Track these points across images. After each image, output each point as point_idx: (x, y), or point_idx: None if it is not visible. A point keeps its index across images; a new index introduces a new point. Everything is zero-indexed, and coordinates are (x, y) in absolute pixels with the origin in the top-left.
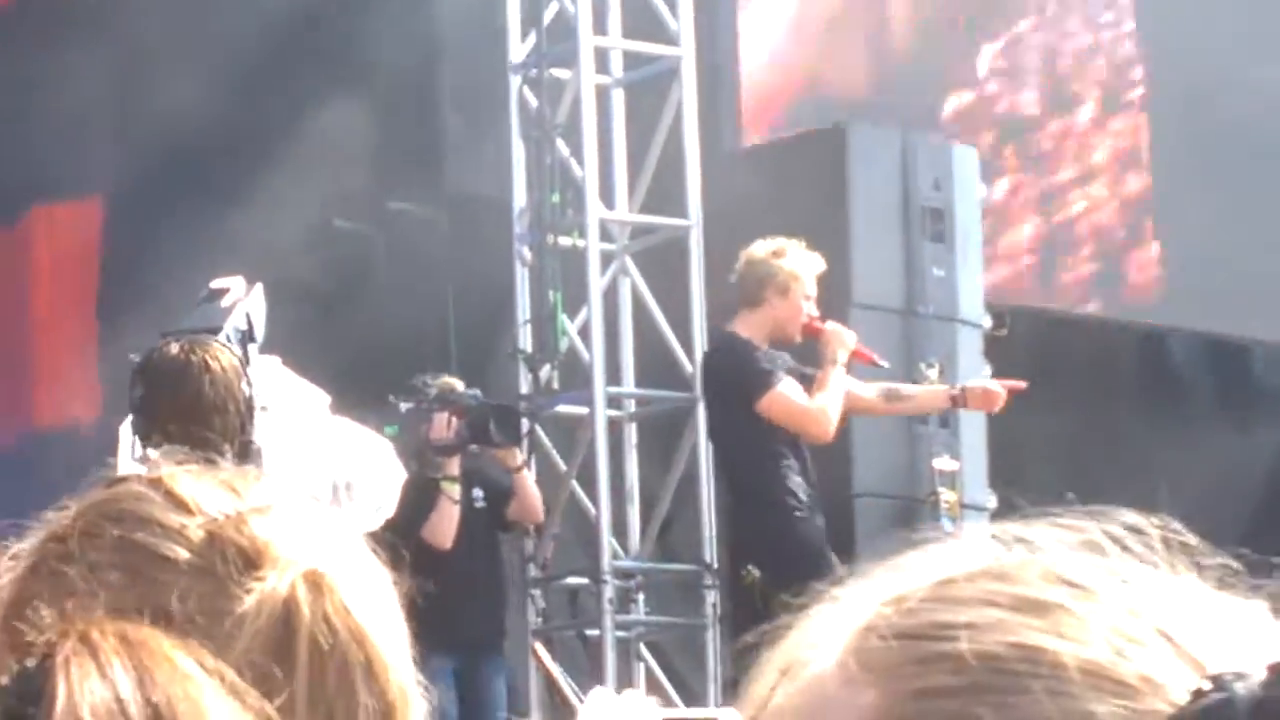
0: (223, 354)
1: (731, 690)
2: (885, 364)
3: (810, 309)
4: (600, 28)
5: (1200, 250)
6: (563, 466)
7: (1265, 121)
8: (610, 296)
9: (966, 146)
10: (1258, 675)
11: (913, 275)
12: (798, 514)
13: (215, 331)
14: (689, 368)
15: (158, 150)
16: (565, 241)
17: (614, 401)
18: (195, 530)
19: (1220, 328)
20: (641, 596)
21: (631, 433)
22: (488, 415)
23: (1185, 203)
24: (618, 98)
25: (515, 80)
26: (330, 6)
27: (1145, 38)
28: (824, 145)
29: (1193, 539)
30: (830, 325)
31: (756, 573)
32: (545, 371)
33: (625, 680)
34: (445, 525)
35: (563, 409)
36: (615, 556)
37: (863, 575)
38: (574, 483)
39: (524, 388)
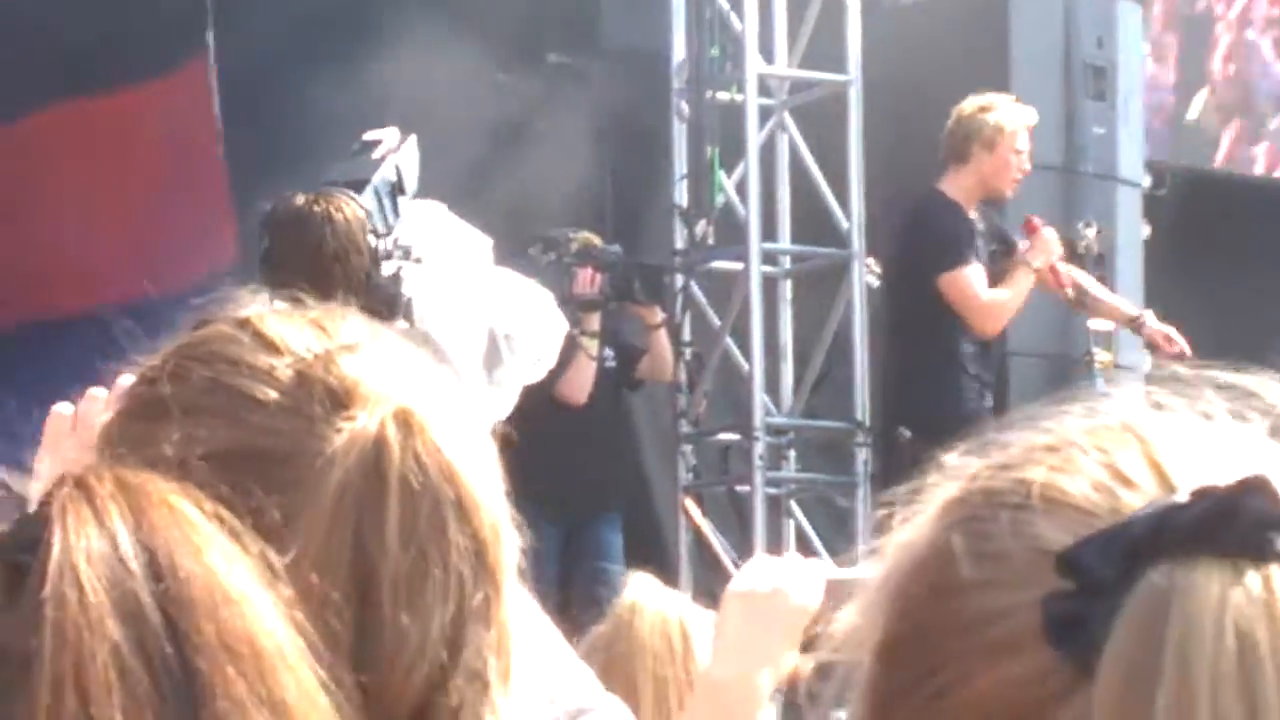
0: (348, 205)
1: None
2: (1071, 293)
3: (1022, 163)
4: None
5: None
6: (717, 322)
7: None
8: (767, 152)
9: (1131, 4)
10: (1218, 490)
11: (1073, 132)
12: (965, 389)
13: (363, 183)
14: (845, 224)
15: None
16: (723, 96)
17: (769, 258)
18: (284, 370)
19: None
20: (793, 454)
21: (786, 289)
22: (632, 272)
23: None
24: None
25: None
26: None
27: None
28: (985, 1)
29: None
30: (1046, 230)
31: (908, 434)
32: (701, 227)
33: (775, 537)
34: (582, 380)
35: (718, 264)
36: (767, 413)
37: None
38: (728, 339)
39: (679, 243)
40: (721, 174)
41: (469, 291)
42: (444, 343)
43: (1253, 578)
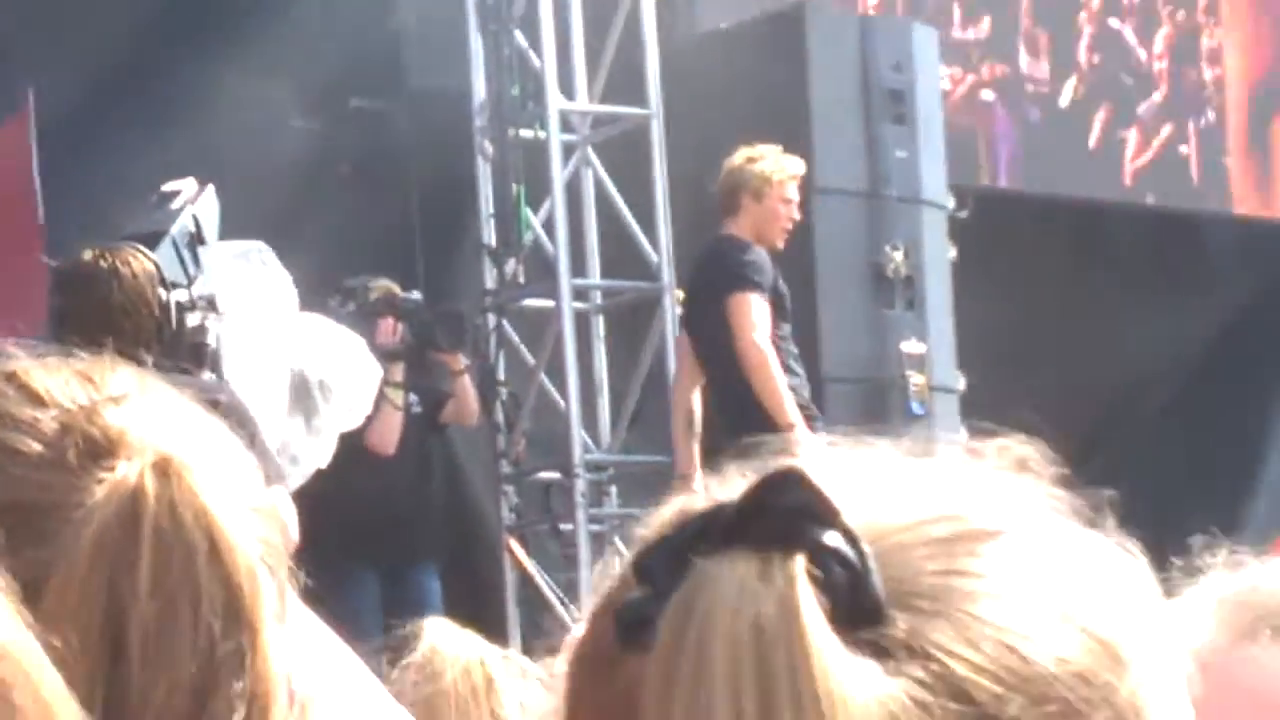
0: (134, 259)
1: None
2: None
3: (791, 212)
4: None
5: None
6: (531, 361)
7: None
8: (573, 188)
9: (927, 27)
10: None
11: (875, 158)
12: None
13: (161, 235)
14: (654, 257)
15: (99, 51)
16: (526, 134)
17: (580, 294)
18: (48, 422)
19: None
20: (614, 489)
21: (599, 325)
22: (432, 320)
23: None
24: None
25: None
26: None
27: None
28: (782, 28)
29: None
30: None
31: None
32: (510, 265)
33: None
34: (389, 432)
35: (529, 303)
36: (586, 450)
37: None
38: (543, 377)
39: (489, 282)
40: (529, 212)
41: (277, 340)
42: (252, 393)
43: (778, 566)
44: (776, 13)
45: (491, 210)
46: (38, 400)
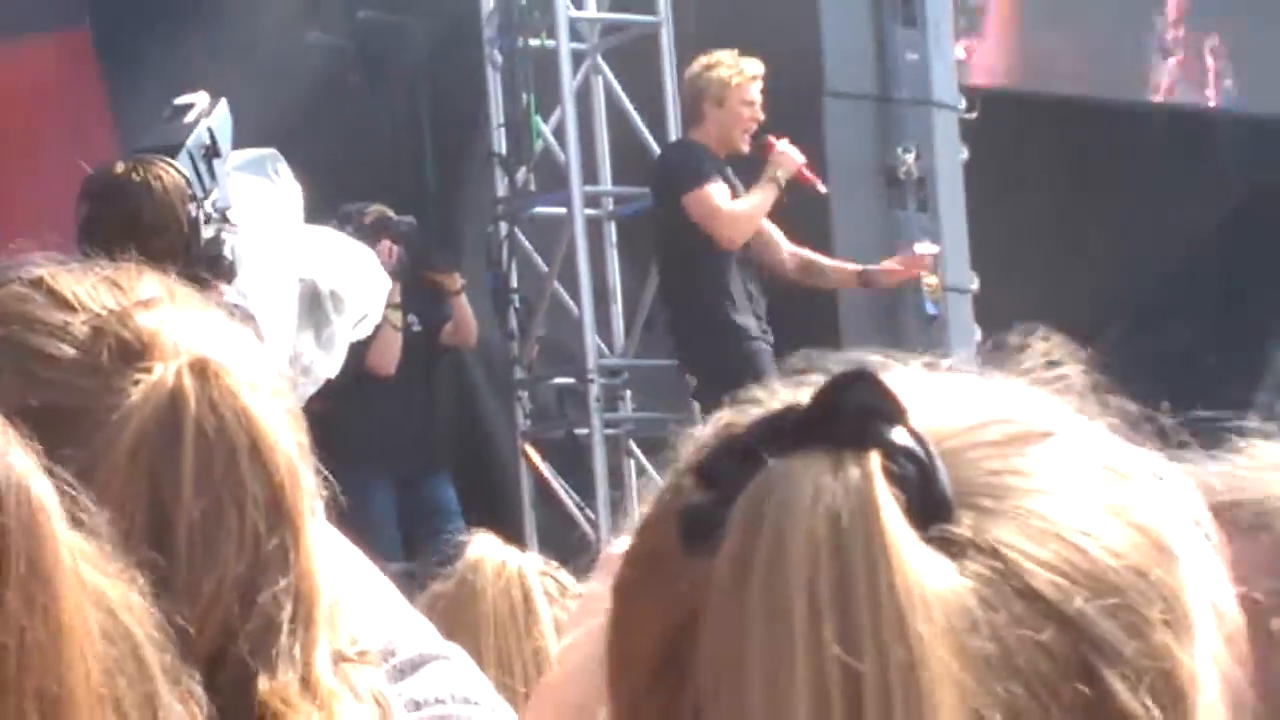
0: (166, 173)
1: None
2: (824, 189)
3: (753, 114)
4: None
5: None
6: (544, 268)
7: None
8: (584, 96)
9: None
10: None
11: (885, 60)
12: (738, 334)
13: (177, 148)
14: None
15: None
16: (535, 43)
17: (592, 201)
18: (79, 326)
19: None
20: (629, 394)
21: (611, 231)
22: (428, 241)
23: None
24: None
25: None
26: None
27: None
28: None
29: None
30: (780, 145)
31: (694, 381)
32: (521, 174)
33: (616, 478)
34: (389, 353)
35: (541, 210)
36: (600, 355)
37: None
38: (556, 284)
39: (501, 191)
40: (539, 120)
41: (289, 252)
42: (265, 304)
43: (852, 464)
44: None
45: (502, 119)
46: (67, 305)
